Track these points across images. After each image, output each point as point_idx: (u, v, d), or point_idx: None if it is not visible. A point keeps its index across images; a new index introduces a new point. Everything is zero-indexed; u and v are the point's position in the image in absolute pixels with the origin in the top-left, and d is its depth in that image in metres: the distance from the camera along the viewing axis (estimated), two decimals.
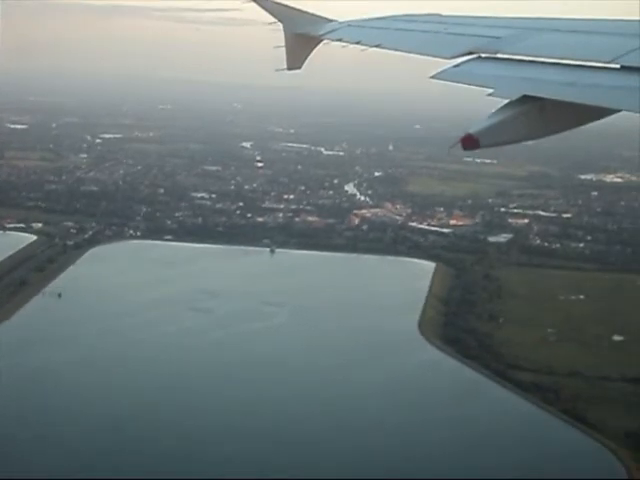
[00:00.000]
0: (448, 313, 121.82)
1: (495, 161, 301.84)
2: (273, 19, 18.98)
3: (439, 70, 12.59)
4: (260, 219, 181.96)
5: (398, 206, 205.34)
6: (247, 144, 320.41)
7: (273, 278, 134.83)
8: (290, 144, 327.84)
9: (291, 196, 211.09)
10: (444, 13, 17.26)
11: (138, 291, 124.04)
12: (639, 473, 78.63)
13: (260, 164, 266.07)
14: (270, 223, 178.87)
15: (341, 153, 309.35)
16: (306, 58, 19.42)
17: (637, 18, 12.00)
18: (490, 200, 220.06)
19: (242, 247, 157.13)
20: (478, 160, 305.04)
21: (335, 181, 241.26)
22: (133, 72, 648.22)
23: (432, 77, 12.52)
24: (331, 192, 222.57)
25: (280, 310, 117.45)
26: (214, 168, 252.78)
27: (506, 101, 10.68)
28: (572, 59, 11.13)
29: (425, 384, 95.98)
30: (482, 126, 10.12)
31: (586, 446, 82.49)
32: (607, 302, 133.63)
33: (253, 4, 18.72)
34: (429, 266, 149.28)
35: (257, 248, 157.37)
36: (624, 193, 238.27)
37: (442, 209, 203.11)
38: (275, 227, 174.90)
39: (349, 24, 18.15)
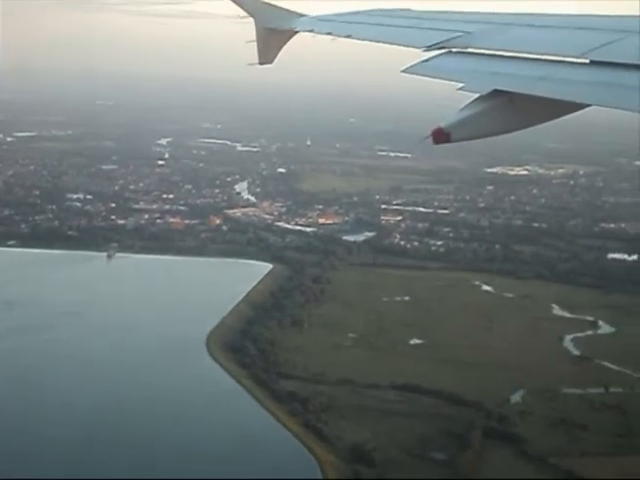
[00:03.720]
0: (250, 320, 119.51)
1: (409, 155, 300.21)
2: (243, 13, 18.99)
3: (410, 65, 12.55)
4: (121, 221, 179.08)
5: (276, 205, 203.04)
6: (164, 141, 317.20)
7: (90, 286, 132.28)
8: (209, 140, 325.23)
9: (170, 196, 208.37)
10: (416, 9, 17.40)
11: None
12: None
13: (161, 162, 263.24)
14: (129, 225, 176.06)
15: (255, 149, 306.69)
16: (277, 53, 19.50)
17: (607, 14, 12.31)
18: (377, 196, 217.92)
19: (85, 252, 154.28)
20: (392, 154, 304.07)
21: (229, 179, 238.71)
22: (84, 66, 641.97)
23: (403, 71, 12.53)
24: (217, 191, 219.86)
25: (70, 321, 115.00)
26: (110, 167, 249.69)
27: (477, 95, 10.66)
28: (542, 54, 11.12)
29: (167, 394, 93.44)
30: (453, 120, 9.99)
31: (300, 460, 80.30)
32: (428, 304, 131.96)
33: None
34: (266, 269, 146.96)
35: (100, 253, 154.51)
36: (520, 187, 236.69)
37: (321, 207, 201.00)
38: (131, 230, 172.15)
39: (320, 18, 18.37)
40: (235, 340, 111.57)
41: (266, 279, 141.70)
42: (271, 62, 19.55)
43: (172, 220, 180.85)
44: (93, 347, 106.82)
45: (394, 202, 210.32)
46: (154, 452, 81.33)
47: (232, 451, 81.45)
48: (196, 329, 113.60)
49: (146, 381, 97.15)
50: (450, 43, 13.00)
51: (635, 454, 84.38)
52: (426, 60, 12.66)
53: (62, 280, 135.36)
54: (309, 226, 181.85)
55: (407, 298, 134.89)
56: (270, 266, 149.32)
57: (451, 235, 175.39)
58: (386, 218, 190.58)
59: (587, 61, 10.46)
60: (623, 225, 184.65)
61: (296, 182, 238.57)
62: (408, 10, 17.14)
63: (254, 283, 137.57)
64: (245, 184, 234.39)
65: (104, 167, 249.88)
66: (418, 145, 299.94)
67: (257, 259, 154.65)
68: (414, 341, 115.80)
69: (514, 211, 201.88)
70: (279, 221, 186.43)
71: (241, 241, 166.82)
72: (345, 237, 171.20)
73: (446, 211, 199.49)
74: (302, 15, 19.44)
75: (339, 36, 16.50)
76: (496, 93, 10.45)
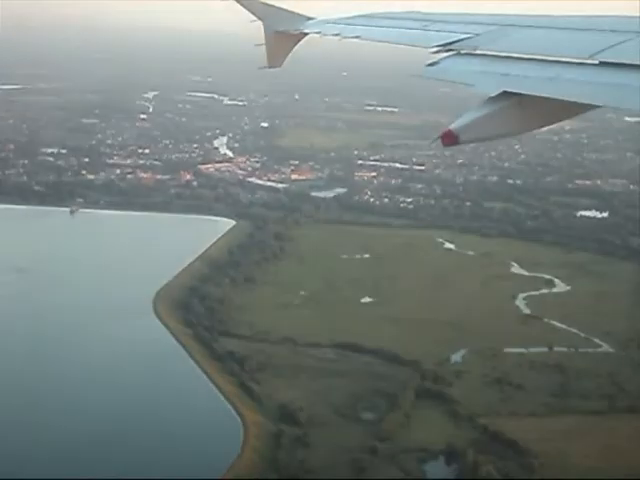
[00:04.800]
0: (203, 277, 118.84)
1: (397, 109, 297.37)
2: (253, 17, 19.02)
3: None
4: (91, 177, 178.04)
5: (251, 160, 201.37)
6: (151, 94, 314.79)
7: (46, 242, 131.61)
8: (196, 94, 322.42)
9: (146, 151, 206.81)
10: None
11: None
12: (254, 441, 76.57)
13: (142, 116, 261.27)
14: (98, 181, 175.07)
15: (242, 103, 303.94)
16: (286, 56, 19.65)
17: (616, 14, 12.32)
18: (356, 152, 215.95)
19: (50, 208, 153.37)
20: (380, 109, 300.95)
21: (209, 134, 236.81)
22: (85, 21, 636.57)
23: (412, 75, 12.63)
24: (195, 146, 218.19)
25: (19, 277, 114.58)
26: (91, 121, 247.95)
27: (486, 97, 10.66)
28: (551, 55, 11.19)
29: (101, 352, 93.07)
30: (462, 122, 10.02)
31: (225, 419, 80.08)
32: (386, 261, 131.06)
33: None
34: (229, 225, 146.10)
35: (65, 209, 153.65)
36: (502, 142, 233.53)
37: (296, 162, 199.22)
38: (100, 185, 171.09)
39: (329, 21, 18.49)
40: (183, 298, 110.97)
41: (227, 236, 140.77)
42: (280, 65, 19.67)
43: (143, 175, 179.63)
44: (36, 304, 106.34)
45: (371, 158, 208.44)
46: (81, 408, 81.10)
47: (157, 409, 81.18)
48: (146, 287, 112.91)
49: (81, 340, 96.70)
50: (459, 45, 13.07)
51: (563, 415, 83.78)
52: (435, 62, 12.70)
53: (19, 236, 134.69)
54: (281, 182, 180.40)
55: (366, 256, 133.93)
56: (233, 223, 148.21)
57: (423, 192, 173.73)
58: (360, 174, 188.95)
59: (596, 62, 10.47)
60: (599, 182, 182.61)
61: (276, 137, 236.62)
62: (417, 12, 17.19)
63: (214, 240, 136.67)
64: (225, 139, 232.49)
65: (84, 121, 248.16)
66: (405, 100, 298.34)
67: (222, 215, 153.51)
68: (365, 299, 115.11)
69: (491, 167, 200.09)
70: (251, 177, 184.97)
71: (209, 197, 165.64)
72: (314, 193, 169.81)
73: (422, 167, 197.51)
74: (309, 19, 19.50)
75: (348, 38, 16.80)
76: (505, 94, 10.42)
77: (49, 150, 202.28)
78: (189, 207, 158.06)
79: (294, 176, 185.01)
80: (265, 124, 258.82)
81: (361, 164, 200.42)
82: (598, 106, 9.96)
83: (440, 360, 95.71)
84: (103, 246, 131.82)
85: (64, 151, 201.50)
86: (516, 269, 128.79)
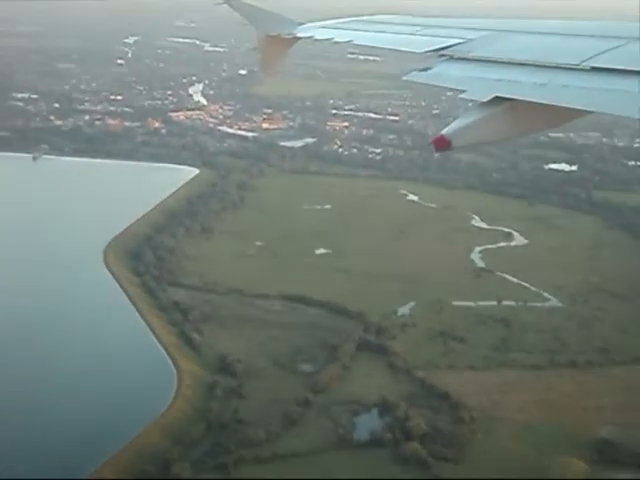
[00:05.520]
0: (158, 226, 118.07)
1: (379, 58, 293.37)
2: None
3: (412, 71, 12.54)
4: (59, 122, 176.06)
5: (225, 108, 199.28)
6: (131, 39, 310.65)
7: (1, 188, 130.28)
8: (177, 39, 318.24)
9: (119, 97, 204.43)
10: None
11: None
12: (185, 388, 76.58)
13: (120, 61, 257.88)
14: (66, 127, 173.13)
15: (222, 49, 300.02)
16: (279, 62, 19.75)
17: (608, 20, 12.45)
18: (331, 101, 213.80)
19: (13, 154, 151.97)
20: (362, 57, 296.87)
21: (185, 80, 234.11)
22: None
23: (405, 78, 12.54)
24: (169, 92, 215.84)
25: None
26: (67, 66, 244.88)
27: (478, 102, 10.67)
28: (543, 60, 11.17)
29: (46, 302, 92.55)
30: (454, 127, 9.98)
31: (160, 369, 79.79)
32: (346, 213, 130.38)
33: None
34: (192, 174, 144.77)
35: (28, 155, 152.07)
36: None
37: (270, 111, 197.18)
38: (67, 132, 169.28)
39: (322, 25, 18.36)
40: (135, 247, 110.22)
41: (188, 185, 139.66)
42: (274, 74, 20.32)
43: (111, 122, 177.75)
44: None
45: (346, 107, 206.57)
46: (18, 356, 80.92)
47: (91, 360, 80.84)
48: (99, 235, 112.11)
49: (20, 291, 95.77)
50: (451, 50, 13.05)
51: (502, 369, 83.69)
52: (428, 67, 12.63)
53: None
54: (252, 131, 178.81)
55: (328, 207, 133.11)
56: (197, 171, 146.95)
57: (394, 143, 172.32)
58: (332, 124, 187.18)
59: (588, 68, 10.48)
60: (572, 135, 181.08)
61: (253, 85, 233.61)
62: (409, 17, 17.14)
63: (174, 189, 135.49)
64: (200, 86, 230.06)
65: (60, 66, 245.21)
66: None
67: (188, 164, 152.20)
68: (320, 251, 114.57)
69: None
70: (222, 125, 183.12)
71: (176, 145, 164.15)
72: (283, 143, 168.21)
73: (396, 118, 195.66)
74: (301, 23, 19.36)
75: (340, 42, 16.70)
76: (497, 100, 10.41)
77: (20, 95, 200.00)
78: (155, 155, 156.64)
79: (265, 125, 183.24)
80: (243, 71, 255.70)
81: (335, 113, 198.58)
82: (590, 111, 9.87)
83: (387, 313, 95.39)
84: (61, 194, 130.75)
85: (35, 96, 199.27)
86: (476, 222, 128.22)
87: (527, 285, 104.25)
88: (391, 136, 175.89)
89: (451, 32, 14.26)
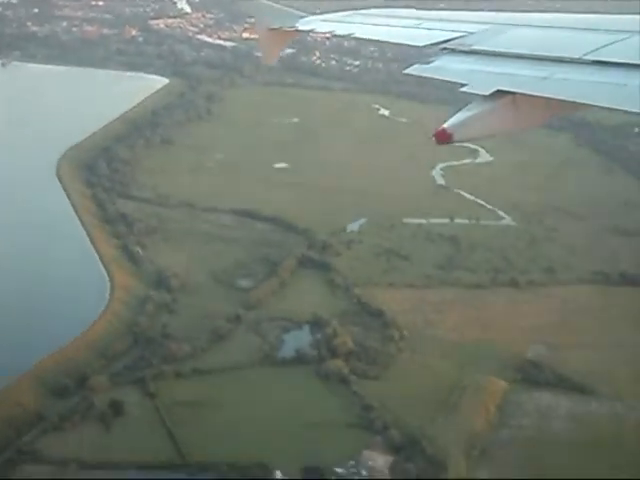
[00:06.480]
0: (118, 137, 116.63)
1: None
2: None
3: (414, 65, 12.54)
4: (36, 28, 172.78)
5: (207, 16, 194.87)
6: None
7: None
8: None
9: (100, 2, 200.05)
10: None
11: None
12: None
13: None
14: (41, 33, 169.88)
15: None
16: (279, 52, 19.75)
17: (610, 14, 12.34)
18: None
19: None
20: None
21: None
22: None
23: (406, 71, 12.58)
24: None
25: None
26: None
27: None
28: (545, 54, 11.22)
29: None
30: (456, 120, 9.97)
31: (93, 282, 79.69)
32: (314, 126, 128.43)
33: None
34: (162, 84, 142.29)
35: None
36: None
37: (252, 20, 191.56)
38: (42, 38, 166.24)
39: (322, 18, 18.30)
40: (91, 159, 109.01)
41: (156, 95, 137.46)
42: (273, 62, 19.81)
43: (88, 29, 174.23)
44: None
45: None
46: None
47: (27, 270, 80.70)
48: (57, 146, 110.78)
49: None
50: (453, 43, 13.06)
51: (442, 287, 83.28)
52: (430, 60, 12.64)
53: None
54: (231, 40, 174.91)
55: (296, 120, 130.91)
56: (167, 81, 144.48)
57: (374, 55, 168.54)
58: (314, 35, 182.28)
59: (590, 61, 10.51)
60: None
61: None
62: (410, 10, 17.01)
63: (141, 99, 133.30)
64: None
65: None
66: None
67: (161, 74, 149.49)
68: (279, 165, 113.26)
69: None
70: (202, 34, 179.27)
71: (151, 54, 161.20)
72: (260, 53, 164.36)
73: None
74: (303, 16, 18.97)
75: (341, 35, 16.79)
76: (499, 93, 10.41)
77: None
78: (128, 64, 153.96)
79: (246, 35, 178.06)
80: None
81: None
82: (592, 105, 9.81)
83: (336, 229, 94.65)
84: (24, 101, 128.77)
85: (15, 1, 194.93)
86: None
87: (483, 203, 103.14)
88: (372, 48, 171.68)
89: (453, 25, 14.22)
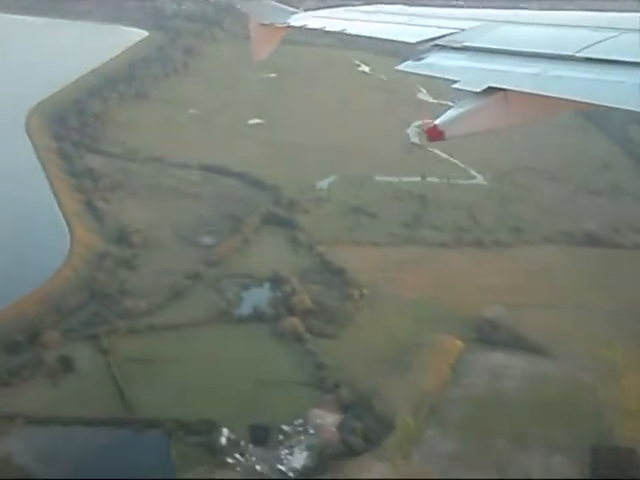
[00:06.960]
0: (90, 91, 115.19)
1: None
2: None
3: (405, 61, 12.34)
4: None
5: None
6: None
7: None
8: None
9: None
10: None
11: None
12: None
13: None
14: None
15: None
16: (271, 48, 19.49)
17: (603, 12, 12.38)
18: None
19: None
20: None
21: None
22: None
23: (398, 68, 12.41)
24: None
25: None
26: None
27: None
28: (537, 51, 11.12)
29: None
30: (448, 117, 9.88)
31: (54, 238, 79.08)
32: (292, 82, 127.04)
33: None
34: (140, 37, 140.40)
35: None
36: None
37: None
38: None
39: (314, 14, 18.30)
40: (62, 112, 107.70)
41: (134, 48, 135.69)
42: (264, 58, 19.43)
43: None
44: None
45: None
46: None
47: None
48: (28, 99, 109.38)
49: None
50: (445, 40, 12.91)
51: (407, 245, 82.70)
52: (421, 57, 12.45)
53: None
54: None
55: (273, 75, 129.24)
56: (146, 34, 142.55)
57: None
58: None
59: (582, 58, 10.46)
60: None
61: None
62: (402, 6, 16.77)
63: (118, 52, 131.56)
64: None
65: None
66: None
67: (139, 26, 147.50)
68: (253, 121, 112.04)
69: None
70: None
71: (133, 7, 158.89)
72: (239, 6, 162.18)
73: None
74: (296, 11, 18.93)
75: (333, 31, 16.51)
76: (490, 90, 10.32)
77: None
78: (109, 16, 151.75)
79: None
80: None
81: None
82: (583, 102, 9.69)
83: (305, 187, 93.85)
84: None
85: None
86: (423, 95, 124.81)
87: (456, 162, 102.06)
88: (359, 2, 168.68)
89: (445, 22, 14.10)
